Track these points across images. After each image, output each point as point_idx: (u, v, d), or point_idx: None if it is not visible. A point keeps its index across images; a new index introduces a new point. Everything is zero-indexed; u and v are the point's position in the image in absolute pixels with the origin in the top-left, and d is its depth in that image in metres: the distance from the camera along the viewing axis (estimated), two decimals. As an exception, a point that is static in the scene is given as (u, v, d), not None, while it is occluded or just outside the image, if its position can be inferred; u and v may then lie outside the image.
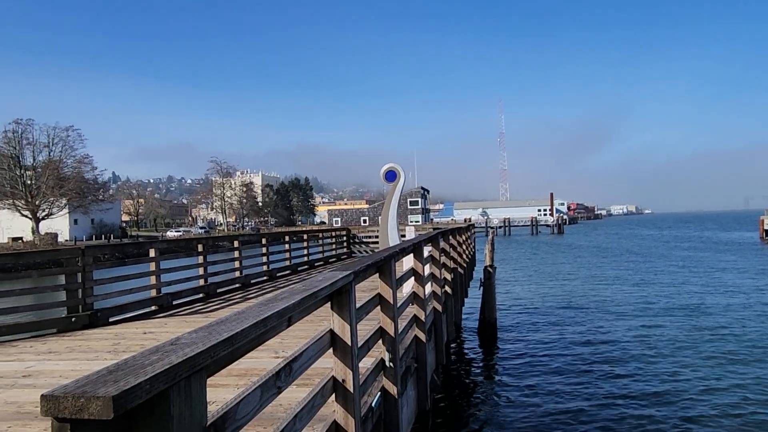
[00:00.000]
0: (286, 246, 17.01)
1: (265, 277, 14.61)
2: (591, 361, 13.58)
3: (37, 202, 62.06)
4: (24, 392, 5.36)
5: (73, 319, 8.39)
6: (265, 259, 15.05)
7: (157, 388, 1.33)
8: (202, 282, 11.69)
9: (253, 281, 13.79)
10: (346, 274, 3.19)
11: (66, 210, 66.59)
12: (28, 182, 62.56)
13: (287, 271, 16.14)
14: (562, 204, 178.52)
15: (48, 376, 5.92)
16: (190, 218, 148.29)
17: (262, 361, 5.64)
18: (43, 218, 63.14)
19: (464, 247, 17.05)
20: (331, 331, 3.20)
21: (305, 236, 18.94)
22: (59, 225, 69.79)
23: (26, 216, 62.27)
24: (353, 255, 22.43)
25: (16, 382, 5.74)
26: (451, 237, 11.81)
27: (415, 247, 6.47)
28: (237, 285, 12.97)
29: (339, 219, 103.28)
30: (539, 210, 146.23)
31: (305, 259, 18.16)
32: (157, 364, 1.39)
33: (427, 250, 7.79)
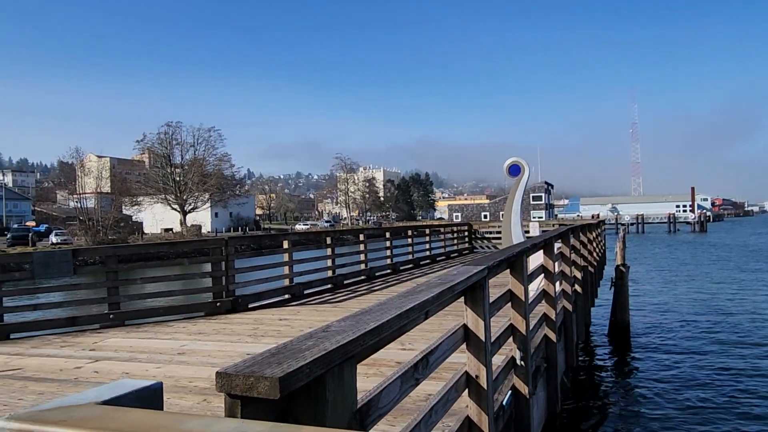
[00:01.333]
0: (409, 240, 17.24)
1: (388, 270, 14.92)
2: (741, 375, 12.20)
3: (184, 197, 68.61)
4: (179, 368, 5.94)
5: (218, 304, 9.15)
6: (388, 252, 15.36)
7: (315, 372, 1.38)
8: (330, 273, 12.20)
9: (377, 274, 14.14)
10: (481, 268, 3.14)
11: (208, 204, 72.92)
12: (177, 179, 69.36)
13: (410, 265, 16.34)
14: (705, 199, 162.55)
15: (199, 355, 6.51)
16: (316, 212, 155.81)
17: (389, 352, 5.74)
18: (189, 211, 69.65)
19: (594, 244, 16.15)
20: (465, 326, 3.17)
21: (427, 231, 19.06)
22: (202, 217, 76.58)
23: (175, 209, 69.08)
24: (475, 251, 22.18)
25: (172, 359, 6.37)
26: (581, 234, 11.24)
27: (545, 244, 6.23)
28: (362, 277, 13.38)
29: (459, 214, 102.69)
30: (678, 206, 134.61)
31: (427, 253, 18.27)
32: (313, 350, 1.45)
33: (557, 247, 7.47)
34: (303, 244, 13.28)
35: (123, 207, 66.52)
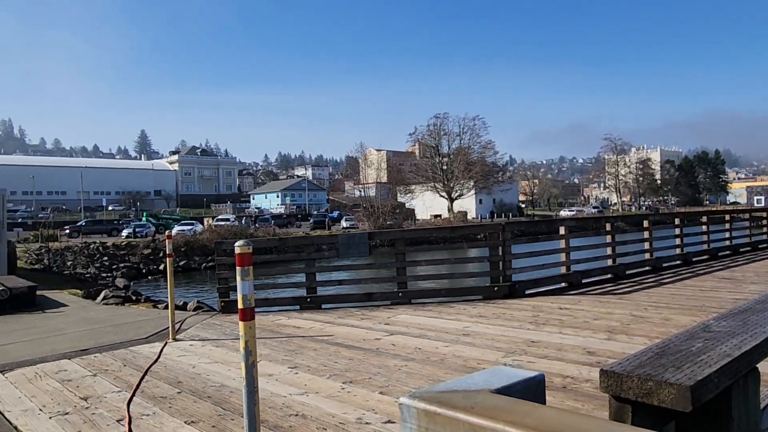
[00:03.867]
0: (703, 228, 14.98)
1: (677, 262, 13.18)
2: None
3: (451, 185, 72.07)
4: (466, 349, 6.10)
5: (495, 289, 9.22)
6: (677, 241, 13.57)
7: (723, 383, 1.11)
8: (610, 262, 11.30)
9: (664, 265, 12.61)
10: None
11: (473, 191, 75.23)
12: (444, 168, 73.16)
13: (705, 256, 14.18)
14: None
15: (483, 338, 6.60)
16: (582, 197, 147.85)
17: None
18: (455, 198, 72.92)
19: None
20: None
21: (727, 217, 16.29)
22: (468, 204, 79.32)
23: (443, 196, 73.06)
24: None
25: (458, 339, 6.59)
26: None
27: None
28: (647, 268, 12.07)
29: (763, 197, 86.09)
30: None
31: (726, 243, 15.63)
32: (711, 354, 1.18)
33: None
34: (580, 230, 12.56)
35: (398, 195, 73.06)
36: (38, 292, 11.93)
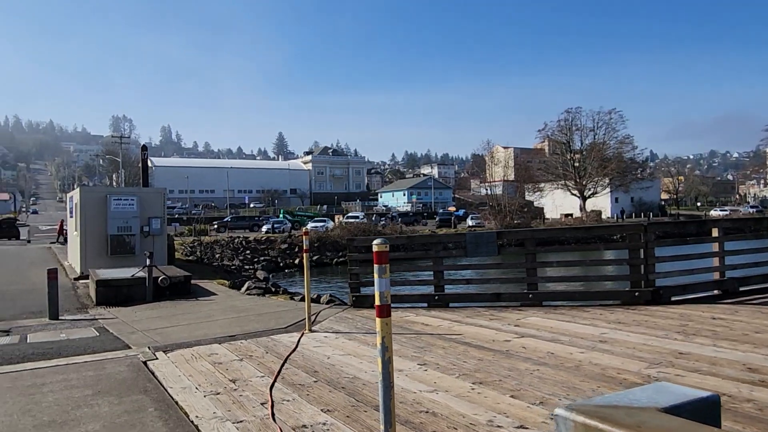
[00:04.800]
0: None
1: None
2: None
3: (584, 182, 68.35)
4: (604, 356, 5.75)
5: (636, 294, 8.59)
6: None
7: None
8: (773, 269, 10.02)
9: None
10: None
11: (608, 189, 70.75)
12: (576, 164, 69.58)
13: None
14: None
15: (622, 346, 6.18)
16: (737, 196, 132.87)
17: None
18: (588, 196, 69.05)
19: None
20: None
21: None
22: (602, 203, 74.80)
23: (575, 195, 69.51)
24: None
25: (594, 345, 6.24)
26: None
27: None
28: (822, 277, 10.53)
29: None
30: None
31: None
32: None
33: None
34: (736, 232, 11.30)
35: (526, 193, 70.86)
36: (192, 282, 13.23)
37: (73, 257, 19.11)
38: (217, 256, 34.36)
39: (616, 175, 68.55)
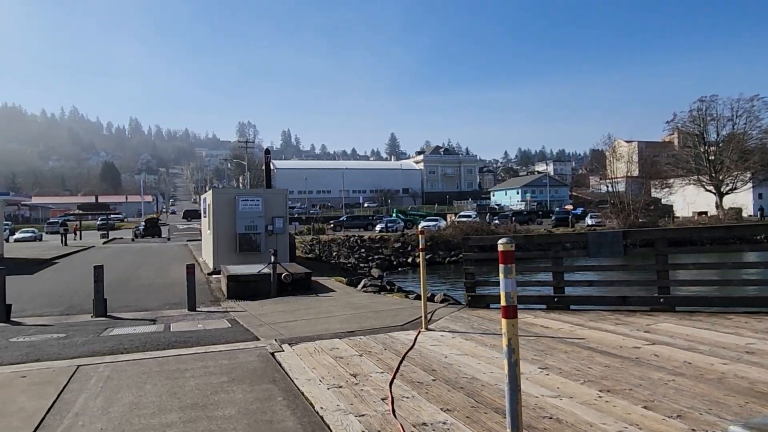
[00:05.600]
0: None
1: None
2: None
3: (720, 177, 62.30)
4: (753, 370, 5.19)
5: (789, 301, 7.67)
6: None
7: None
8: None
9: None
10: None
11: (749, 184, 63.91)
12: (711, 158, 63.56)
13: None
14: None
15: (774, 359, 5.55)
16: None
17: None
18: (726, 193, 62.83)
19: None
20: None
21: None
22: (742, 199, 67.65)
23: (710, 191, 63.57)
24: None
25: (740, 357, 5.65)
26: None
27: None
28: None
29: None
30: None
31: None
32: None
33: None
34: None
35: (652, 190, 65.95)
36: (312, 278, 13.83)
37: (206, 254, 20.78)
38: (333, 254, 35.65)
39: (760, 169, 61.79)
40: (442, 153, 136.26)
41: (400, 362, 5.99)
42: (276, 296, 12.16)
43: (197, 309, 10.65)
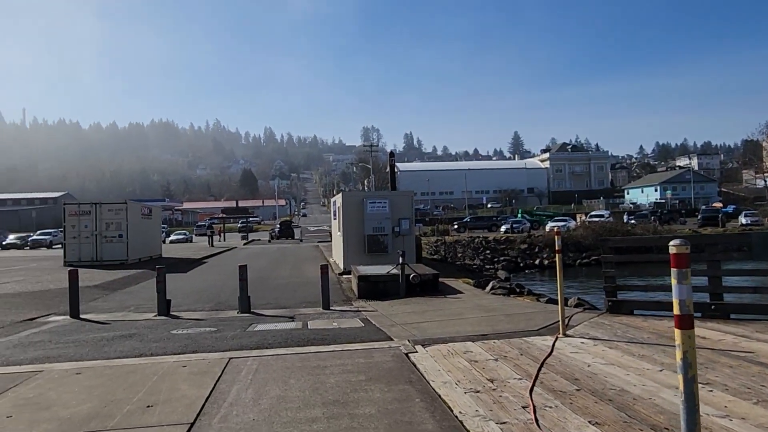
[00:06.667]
0: None
1: None
2: None
3: None
4: None
5: None
6: None
7: None
8: None
9: None
10: None
11: None
12: None
13: None
14: None
15: None
16: None
17: None
18: None
19: None
20: None
21: None
22: None
23: None
24: None
25: None
26: None
27: None
28: None
29: None
30: None
31: None
32: None
33: None
34: None
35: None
36: (439, 280, 13.78)
37: (336, 254, 21.59)
38: (458, 255, 35.43)
39: None
40: (569, 150, 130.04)
41: (539, 369, 5.72)
42: (404, 297, 12.27)
43: (331, 308, 11.05)
